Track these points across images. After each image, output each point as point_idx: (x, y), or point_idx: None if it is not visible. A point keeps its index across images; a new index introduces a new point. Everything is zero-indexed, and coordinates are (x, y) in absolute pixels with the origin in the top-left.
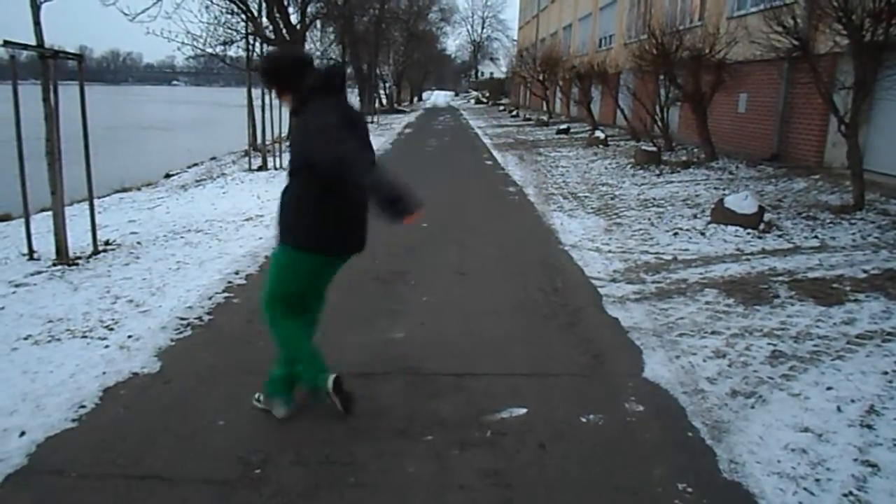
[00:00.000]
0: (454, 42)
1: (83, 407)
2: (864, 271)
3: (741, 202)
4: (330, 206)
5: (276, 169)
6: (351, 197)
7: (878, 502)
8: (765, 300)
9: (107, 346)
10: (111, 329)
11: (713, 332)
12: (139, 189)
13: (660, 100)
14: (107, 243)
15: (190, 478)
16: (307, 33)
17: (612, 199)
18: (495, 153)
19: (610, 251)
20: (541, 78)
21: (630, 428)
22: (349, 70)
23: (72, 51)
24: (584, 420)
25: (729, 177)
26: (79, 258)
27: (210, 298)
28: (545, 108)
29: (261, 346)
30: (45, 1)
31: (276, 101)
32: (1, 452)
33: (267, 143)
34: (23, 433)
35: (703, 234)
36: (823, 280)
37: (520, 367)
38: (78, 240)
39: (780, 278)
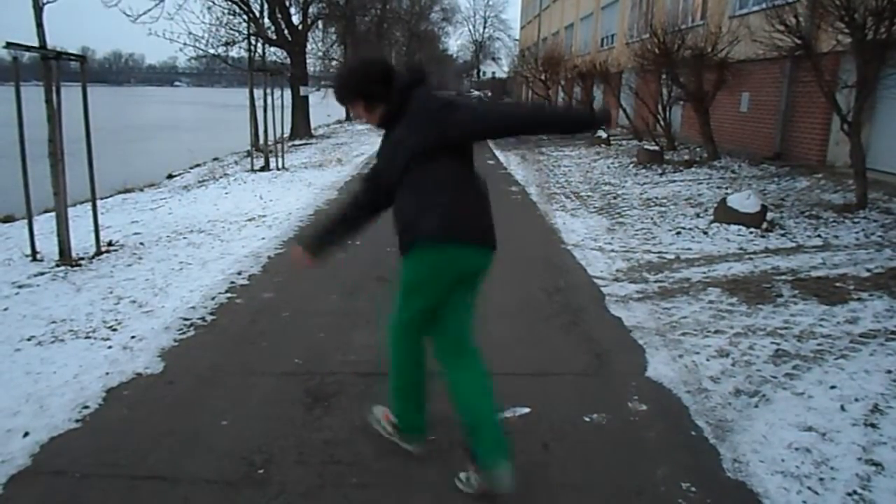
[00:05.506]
0: (456, 42)
1: (86, 407)
2: (868, 270)
3: (744, 201)
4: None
5: (278, 169)
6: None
7: (883, 501)
8: (768, 299)
9: (110, 347)
10: (114, 330)
11: (716, 332)
12: (142, 190)
13: (662, 99)
14: (109, 244)
15: (193, 478)
16: (309, 34)
17: (614, 198)
18: (497, 153)
19: (613, 250)
20: (543, 77)
21: (633, 427)
22: None
23: (74, 52)
24: (587, 419)
25: (731, 176)
26: (82, 259)
27: (213, 299)
28: None
29: (263, 346)
30: (47, 2)
31: (277, 102)
32: (4, 453)
33: (269, 143)
34: (26, 434)
35: (705, 233)
36: (827, 279)
37: (523, 366)
38: (81, 241)
39: (784, 277)
